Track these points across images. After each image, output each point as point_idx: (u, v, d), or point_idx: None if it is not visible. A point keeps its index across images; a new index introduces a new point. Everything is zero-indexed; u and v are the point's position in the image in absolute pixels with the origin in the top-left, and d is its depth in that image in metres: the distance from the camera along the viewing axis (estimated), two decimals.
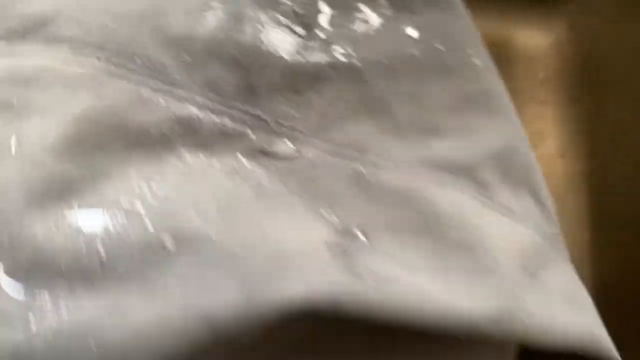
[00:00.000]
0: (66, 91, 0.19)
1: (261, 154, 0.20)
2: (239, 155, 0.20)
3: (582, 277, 0.21)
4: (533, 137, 0.26)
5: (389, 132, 0.20)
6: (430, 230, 0.19)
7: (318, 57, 0.21)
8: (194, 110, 0.20)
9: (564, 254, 0.22)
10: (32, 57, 0.20)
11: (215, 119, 0.20)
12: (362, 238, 0.18)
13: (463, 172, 0.20)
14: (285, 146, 0.20)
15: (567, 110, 0.32)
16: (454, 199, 0.20)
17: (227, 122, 0.20)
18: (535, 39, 0.33)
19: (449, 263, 0.18)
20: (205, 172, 0.20)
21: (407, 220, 0.19)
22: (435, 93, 0.21)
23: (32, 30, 0.20)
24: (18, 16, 0.20)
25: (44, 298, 0.16)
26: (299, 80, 0.20)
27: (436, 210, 0.19)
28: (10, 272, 0.16)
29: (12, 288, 0.16)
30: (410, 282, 0.17)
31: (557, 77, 0.33)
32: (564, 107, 0.32)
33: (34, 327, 0.15)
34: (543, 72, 0.33)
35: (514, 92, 0.23)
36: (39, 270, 0.16)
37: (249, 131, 0.20)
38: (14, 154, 0.17)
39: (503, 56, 0.32)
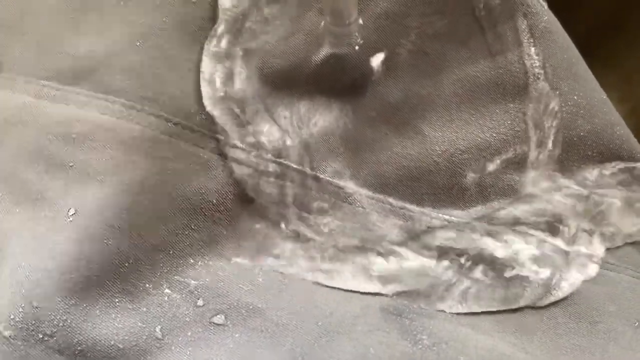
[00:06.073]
0: (122, 153, 0.18)
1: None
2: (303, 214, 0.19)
3: None
4: None
5: None
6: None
7: None
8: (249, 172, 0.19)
9: None
10: (85, 107, 0.19)
11: (280, 182, 0.19)
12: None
13: None
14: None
15: None
16: None
17: (288, 185, 0.20)
18: None
19: None
20: None
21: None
22: None
23: (83, 76, 0.20)
24: (68, 58, 0.20)
25: None
26: None
27: None
28: (69, 355, 0.16)
29: None
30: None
31: None
32: None
33: None
34: None
35: None
36: (96, 351, 0.17)
37: (309, 191, 0.20)
38: (70, 221, 0.17)
39: None
